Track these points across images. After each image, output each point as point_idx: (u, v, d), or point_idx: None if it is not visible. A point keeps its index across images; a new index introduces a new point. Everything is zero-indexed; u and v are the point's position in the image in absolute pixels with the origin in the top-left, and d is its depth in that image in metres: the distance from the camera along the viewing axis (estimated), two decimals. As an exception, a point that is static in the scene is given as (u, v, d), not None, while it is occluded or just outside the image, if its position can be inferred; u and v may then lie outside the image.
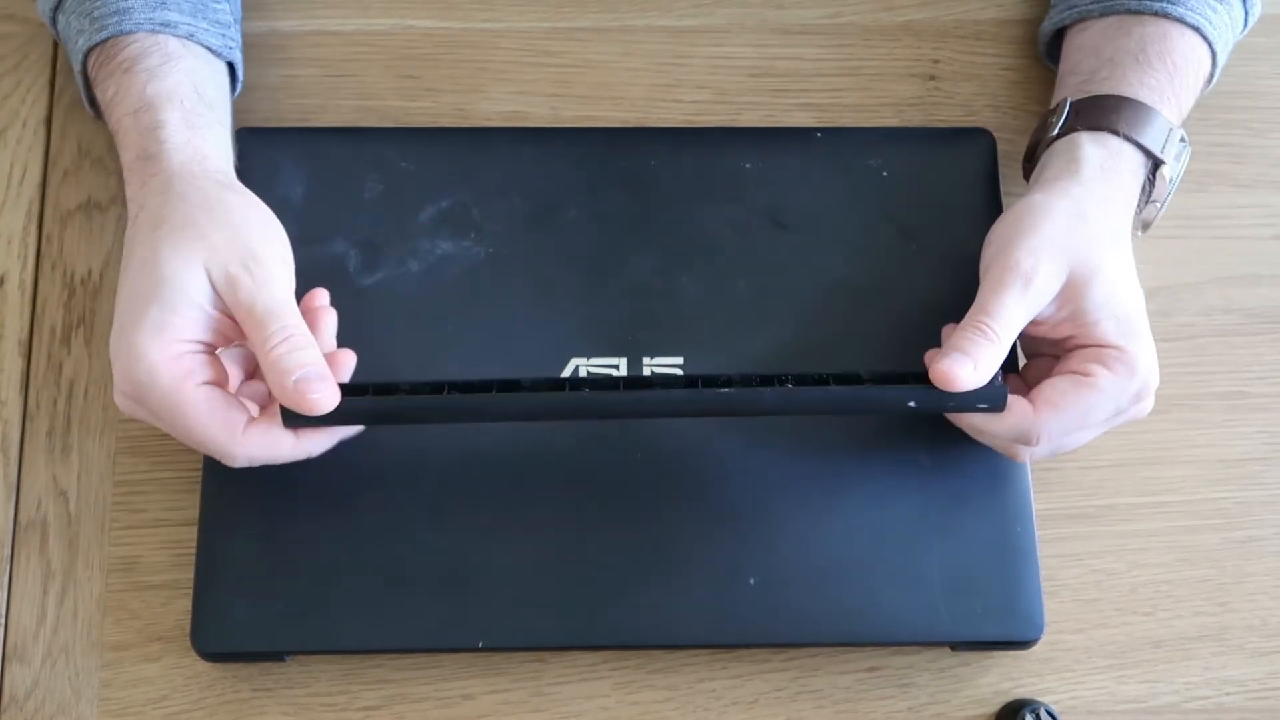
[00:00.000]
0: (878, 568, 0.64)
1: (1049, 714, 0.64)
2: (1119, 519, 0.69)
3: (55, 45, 0.75)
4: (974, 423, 0.63)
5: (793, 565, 0.63)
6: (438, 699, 0.65)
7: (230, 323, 0.60)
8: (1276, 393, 0.71)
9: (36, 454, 0.68)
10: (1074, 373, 0.62)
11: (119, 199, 0.72)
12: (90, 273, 0.71)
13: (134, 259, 0.61)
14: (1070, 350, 0.63)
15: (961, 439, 0.65)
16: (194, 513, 0.65)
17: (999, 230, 0.65)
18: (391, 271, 0.67)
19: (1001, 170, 0.71)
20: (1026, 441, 0.62)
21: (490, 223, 0.69)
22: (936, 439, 0.65)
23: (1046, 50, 0.74)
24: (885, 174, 0.70)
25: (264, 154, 0.69)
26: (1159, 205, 0.67)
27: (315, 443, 0.61)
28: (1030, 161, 0.69)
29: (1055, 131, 0.67)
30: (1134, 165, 0.66)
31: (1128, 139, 0.65)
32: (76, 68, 0.68)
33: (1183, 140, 0.67)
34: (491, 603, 0.63)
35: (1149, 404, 0.63)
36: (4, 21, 0.76)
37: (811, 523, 0.64)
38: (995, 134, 0.72)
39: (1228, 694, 0.67)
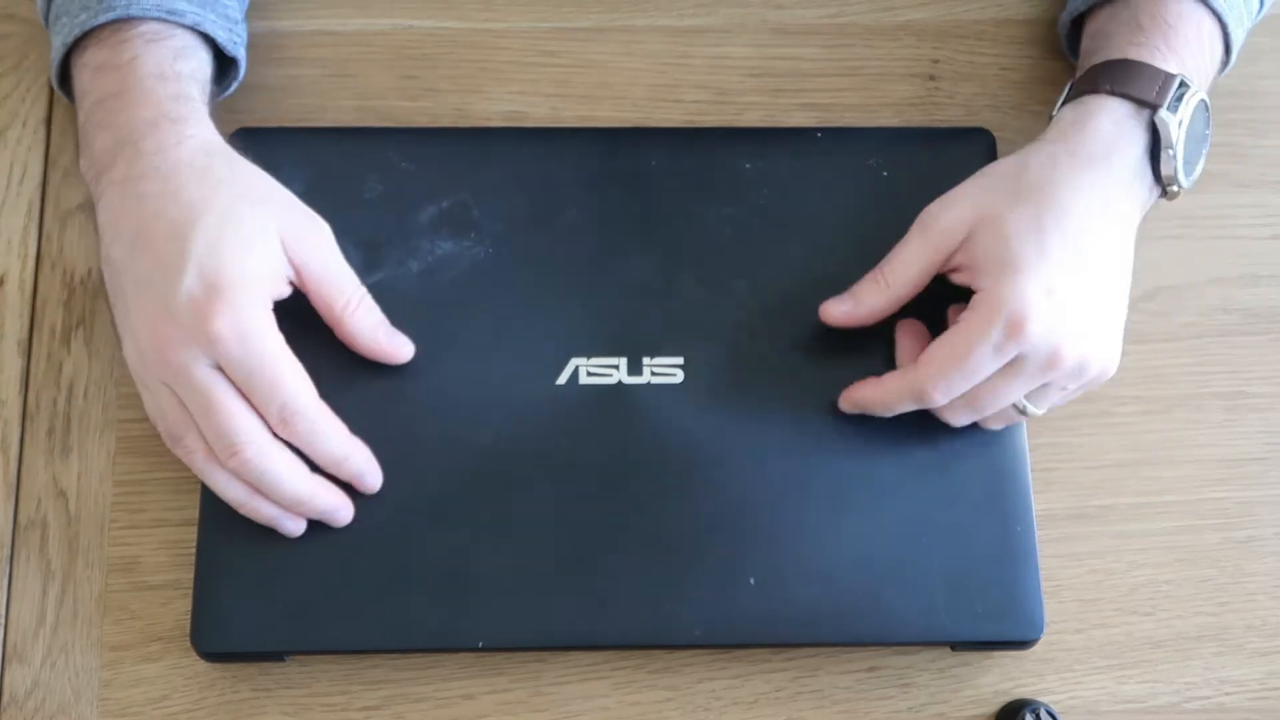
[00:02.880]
0: (878, 568, 0.64)
1: (1049, 714, 0.64)
2: (1119, 519, 0.69)
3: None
4: (882, 397, 0.64)
5: (793, 565, 0.63)
6: (438, 699, 0.65)
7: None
8: (1276, 393, 0.71)
9: (36, 454, 0.68)
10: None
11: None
12: (90, 272, 0.71)
13: (212, 209, 0.61)
14: None
15: (961, 438, 0.65)
16: (194, 513, 0.65)
17: None
18: (391, 271, 0.67)
19: (1001, 170, 0.71)
20: (922, 400, 0.62)
21: (490, 223, 0.69)
22: (936, 439, 0.65)
23: (1069, 44, 0.74)
24: (885, 174, 0.70)
25: (264, 154, 0.69)
26: (1172, 152, 0.64)
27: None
28: None
29: (1054, 112, 0.67)
30: (1117, 116, 0.64)
31: (1110, 93, 0.65)
32: (65, 41, 0.66)
33: (1184, 85, 0.64)
34: (491, 603, 0.63)
35: (1066, 362, 0.61)
36: (4, 21, 0.76)
37: (811, 522, 0.64)
38: (995, 134, 0.72)
39: (1228, 694, 0.67)
